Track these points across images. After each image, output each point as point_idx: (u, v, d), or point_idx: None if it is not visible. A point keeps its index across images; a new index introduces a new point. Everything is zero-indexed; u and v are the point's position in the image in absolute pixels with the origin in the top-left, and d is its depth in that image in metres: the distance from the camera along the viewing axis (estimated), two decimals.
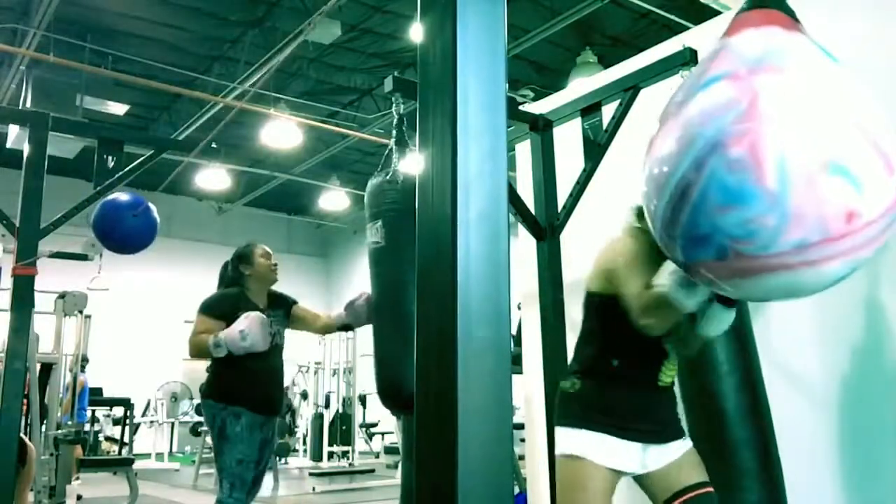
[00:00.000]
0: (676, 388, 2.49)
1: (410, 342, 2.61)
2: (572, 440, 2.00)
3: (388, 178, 2.77)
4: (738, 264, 1.43)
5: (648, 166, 1.56)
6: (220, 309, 3.21)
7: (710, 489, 2.01)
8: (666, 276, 1.83)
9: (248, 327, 3.05)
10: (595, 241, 2.21)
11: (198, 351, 3.15)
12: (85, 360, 7.20)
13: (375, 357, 2.80)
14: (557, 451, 2.05)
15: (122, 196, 3.90)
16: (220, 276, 3.46)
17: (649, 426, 2.03)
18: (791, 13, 1.56)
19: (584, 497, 1.95)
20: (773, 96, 1.39)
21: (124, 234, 3.92)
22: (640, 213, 2.13)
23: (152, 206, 3.96)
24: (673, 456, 2.03)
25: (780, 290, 1.49)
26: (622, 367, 2.04)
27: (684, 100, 1.51)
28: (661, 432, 2.04)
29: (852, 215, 1.32)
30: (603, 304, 2.07)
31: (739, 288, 1.50)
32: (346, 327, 3.29)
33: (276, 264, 3.41)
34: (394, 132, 2.93)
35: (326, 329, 3.46)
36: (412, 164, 2.83)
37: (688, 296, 1.80)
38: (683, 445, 2.07)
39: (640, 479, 2.06)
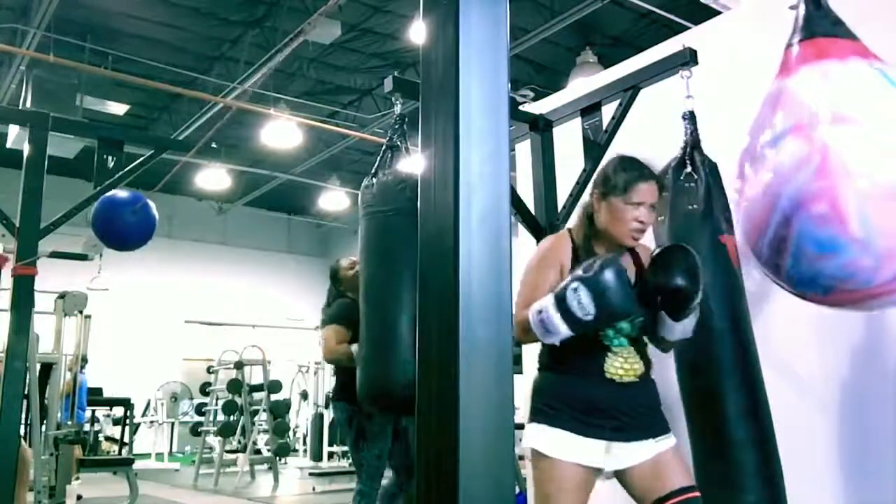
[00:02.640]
0: (675, 389, 2.50)
1: (390, 345, 2.67)
2: (537, 437, 2.00)
3: (366, 183, 2.83)
4: (844, 297, 1.65)
5: (745, 209, 1.76)
6: (349, 318, 3.42)
7: (696, 494, 1.94)
8: (546, 301, 1.86)
9: None
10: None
11: (345, 358, 3.42)
12: (85, 359, 7.20)
13: (358, 360, 2.85)
14: (527, 446, 2.03)
15: (120, 193, 3.91)
16: (329, 290, 3.80)
17: (606, 421, 1.97)
18: (840, 33, 1.64)
19: (556, 494, 1.94)
20: (843, 150, 1.55)
21: (122, 231, 3.93)
22: (588, 215, 2.11)
23: (151, 203, 3.97)
24: (645, 455, 1.97)
25: (885, 306, 1.73)
26: (567, 359, 2.02)
27: (760, 153, 1.69)
28: (625, 428, 1.98)
29: None
30: None
31: (851, 309, 1.76)
32: None
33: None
34: (388, 134, 2.95)
35: None
36: (405, 164, 2.85)
37: (546, 336, 1.88)
38: (660, 446, 1.99)
39: (621, 479, 2.02)
